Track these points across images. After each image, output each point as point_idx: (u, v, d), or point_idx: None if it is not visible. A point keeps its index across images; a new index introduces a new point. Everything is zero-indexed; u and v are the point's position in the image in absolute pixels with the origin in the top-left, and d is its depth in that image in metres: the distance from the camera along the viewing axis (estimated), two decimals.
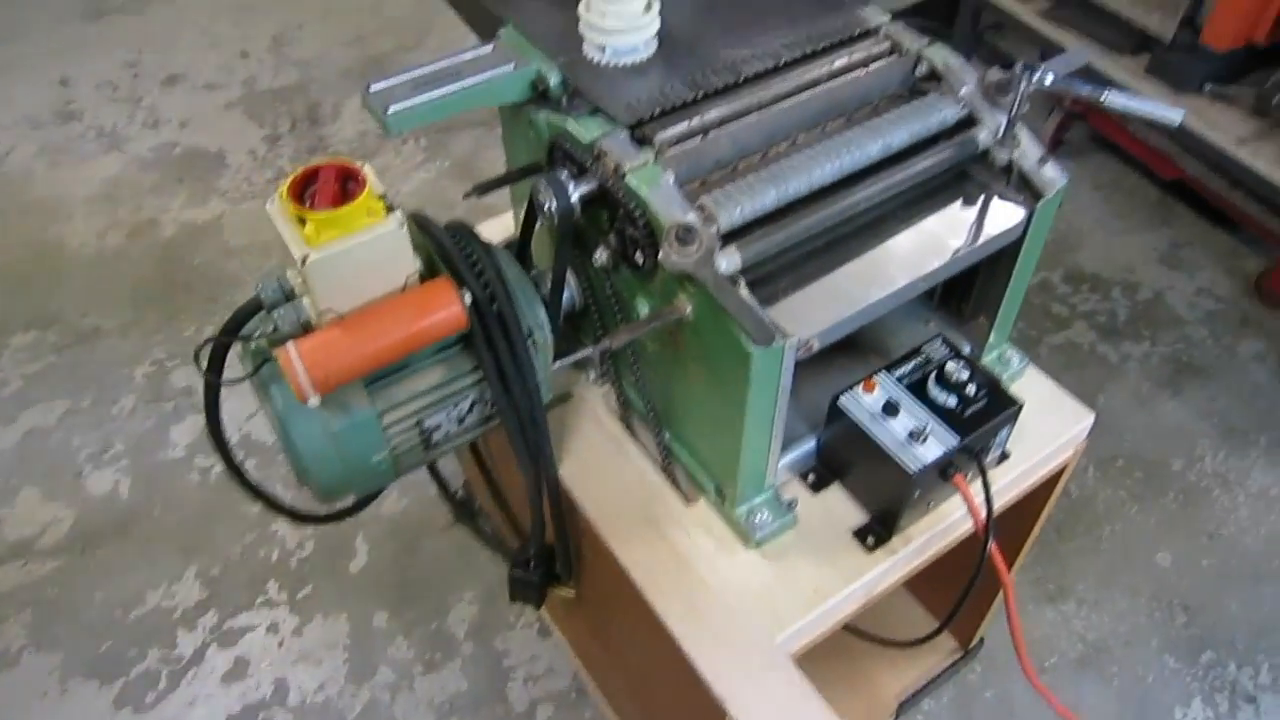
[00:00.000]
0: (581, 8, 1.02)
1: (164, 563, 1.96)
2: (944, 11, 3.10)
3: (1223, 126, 2.22)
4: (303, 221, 0.81)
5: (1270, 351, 2.35)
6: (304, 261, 0.80)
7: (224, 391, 0.97)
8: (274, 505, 1.14)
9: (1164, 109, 1.00)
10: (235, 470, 1.08)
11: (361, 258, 0.83)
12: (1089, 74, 2.45)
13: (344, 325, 0.84)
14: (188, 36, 3.49)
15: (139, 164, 2.94)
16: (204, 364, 0.91)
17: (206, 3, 3.67)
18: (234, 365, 0.93)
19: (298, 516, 1.19)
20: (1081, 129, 2.90)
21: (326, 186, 0.82)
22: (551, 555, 1.23)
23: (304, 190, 0.83)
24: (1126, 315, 2.45)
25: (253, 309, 0.89)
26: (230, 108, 3.15)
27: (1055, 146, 2.87)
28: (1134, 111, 1.01)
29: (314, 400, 0.82)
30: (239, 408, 2.17)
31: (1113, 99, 1.00)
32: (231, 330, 0.89)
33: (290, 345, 0.81)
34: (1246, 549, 1.98)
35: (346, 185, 0.84)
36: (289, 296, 0.88)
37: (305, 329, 0.87)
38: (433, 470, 1.44)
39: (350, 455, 0.92)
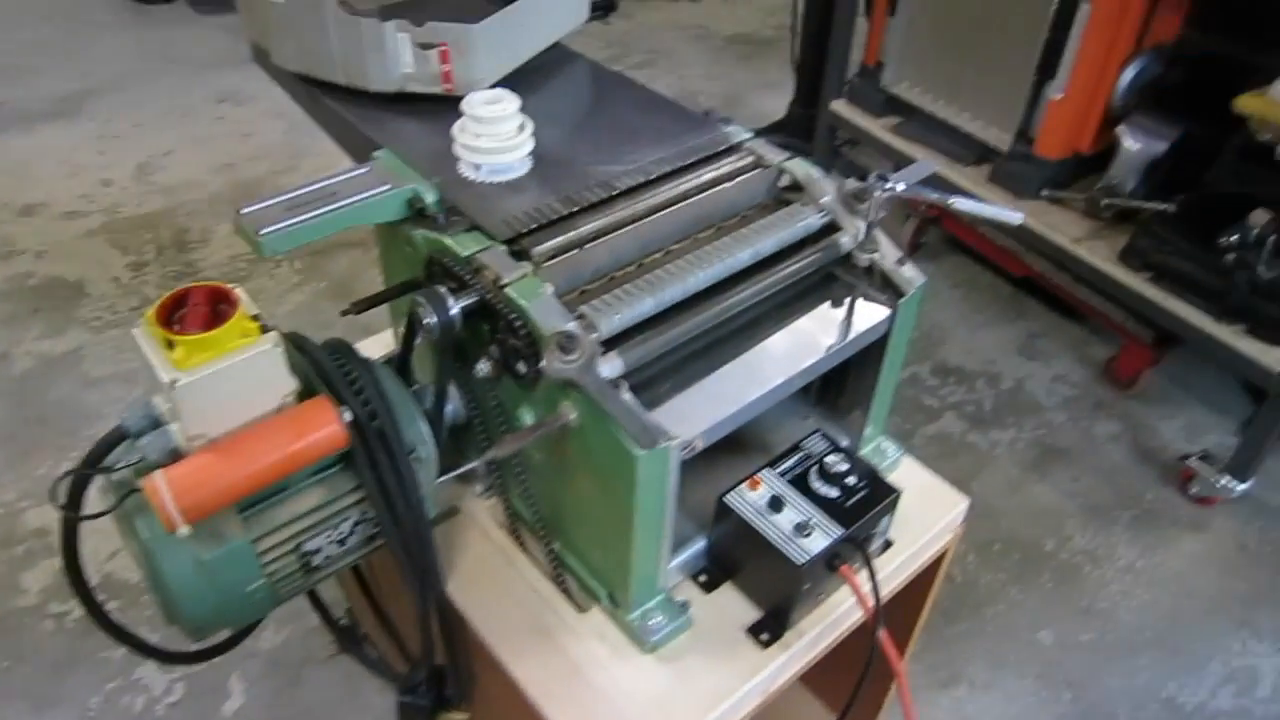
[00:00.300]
0: (456, 129, 1.05)
1: None
2: (803, 130, 3.31)
3: (1060, 227, 2.41)
4: (171, 345, 0.79)
5: (1124, 432, 2.51)
6: (173, 386, 0.77)
7: (83, 529, 0.91)
8: (139, 646, 1.07)
9: (1005, 212, 1.09)
10: (95, 609, 1.01)
11: (234, 380, 0.81)
12: (938, 182, 2.63)
13: (215, 450, 0.81)
14: (47, 166, 3.39)
15: None
16: (61, 499, 0.86)
17: (67, 133, 3.59)
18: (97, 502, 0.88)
19: (166, 657, 1.12)
20: (936, 232, 3.09)
21: (197, 309, 0.81)
22: (442, 677, 1.19)
23: (173, 314, 0.81)
24: (992, 404, 2.58)
25: (116, 439, 0.85)
26: (91, 235, 3.05)
27: (914, 249, 3.06)
28: (979, 214, 1.09)
29: (183, 530, 0.79)
30: (100, 546, 2.04)
31: (959, 204, 1.08)
32: (93, 461, 0.85)
33: (158, 474, 0.78)
34: (1120, 621, 2.07)
35: (218, 308, 0.83)
36: (157, 424, 0.85)
37: (174, 457, 0.84)
38: (313, 597, 1.38)
39: (224, 586, 0.88)
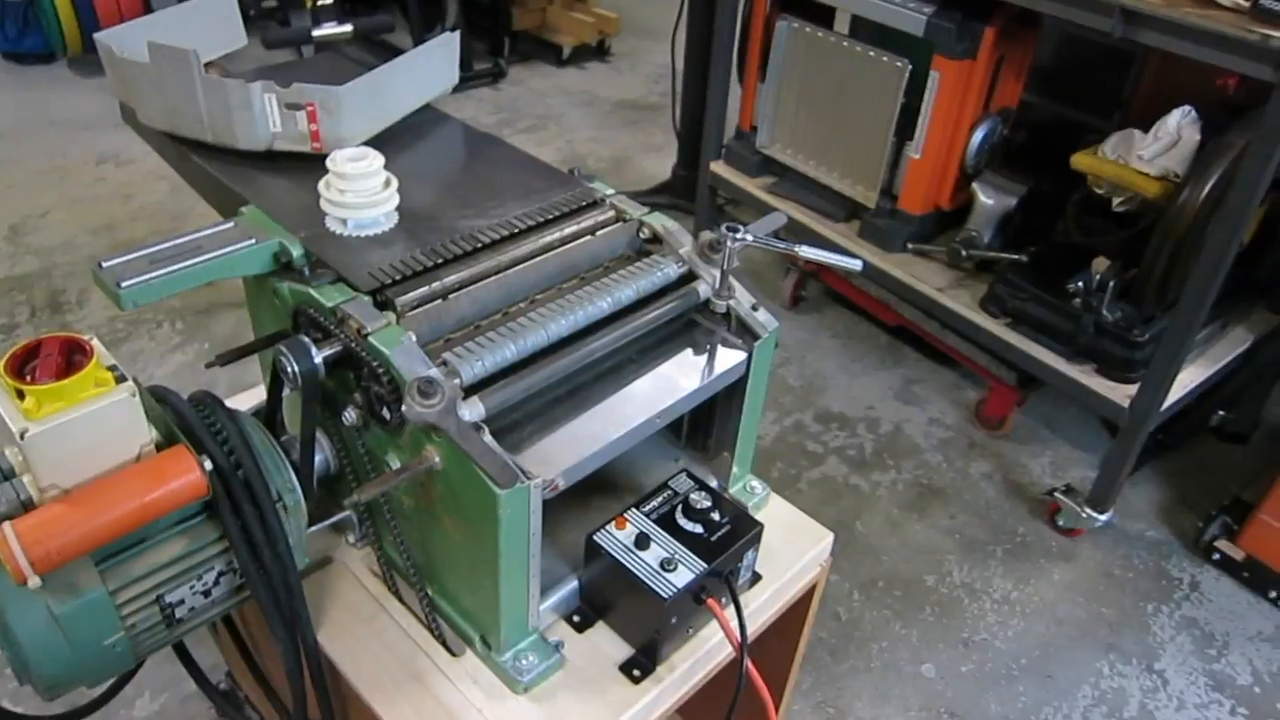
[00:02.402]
0: (322, 186, 1.08)
1: None
2: (687, 190, 3.42)
3: (925, 278, 2.55)
4: (22, 395, 0.79)
5: (996, 470, 2.63)
6: (22, 435, 0.77)
7: None
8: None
9: (845, 260, 1.17)
10: None
11: (88, 430, 0.81)
12: (808, 236, 2.76)
13: (68, 500, 0.81)
14: None
15: None
16: None
17: None
18: None
19: None
20: (817, 285, 3.22)
21: (49, 360, 0.81)
22: None
23: (24, 364, 0.81)
24: (873, 448, 2.69)
25: None
26: None
27: (795, 302, 3.18)
28: (823, 261, 1.17)
29: (34, 581, 0.78)
30: None
31: (804, 251, 1.16)
32: None
33: (6, 525, 0.77)
34: (998, 650, 2.16)
35: (73, 358, 0.83)
36: (8, 475, 0.84)
37: (26, 508, 0.83)
38: (188, 661, 1.34)
39: (79, 640, 0.87)
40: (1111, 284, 2.14)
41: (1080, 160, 2.20)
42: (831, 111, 2.64)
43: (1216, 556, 2.35)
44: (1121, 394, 2.18)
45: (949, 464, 2.65)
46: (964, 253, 2.49)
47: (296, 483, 1.00)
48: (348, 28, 4.08)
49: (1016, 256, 2.39)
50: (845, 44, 2.52)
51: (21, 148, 3.84)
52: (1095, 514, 2.34)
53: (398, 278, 1.03)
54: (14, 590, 0.82)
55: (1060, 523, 2.43)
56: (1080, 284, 2.17)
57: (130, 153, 3.75)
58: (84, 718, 1.11)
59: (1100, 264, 2.18)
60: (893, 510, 2.50)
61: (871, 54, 2.45)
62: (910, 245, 2.61)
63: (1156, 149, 2.10)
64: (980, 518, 2.49)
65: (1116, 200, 2.22)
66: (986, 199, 2.45)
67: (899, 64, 2.38)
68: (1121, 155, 2.15)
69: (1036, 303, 2.31)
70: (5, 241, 3.22)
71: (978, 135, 2.40)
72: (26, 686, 0.90)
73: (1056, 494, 2.41)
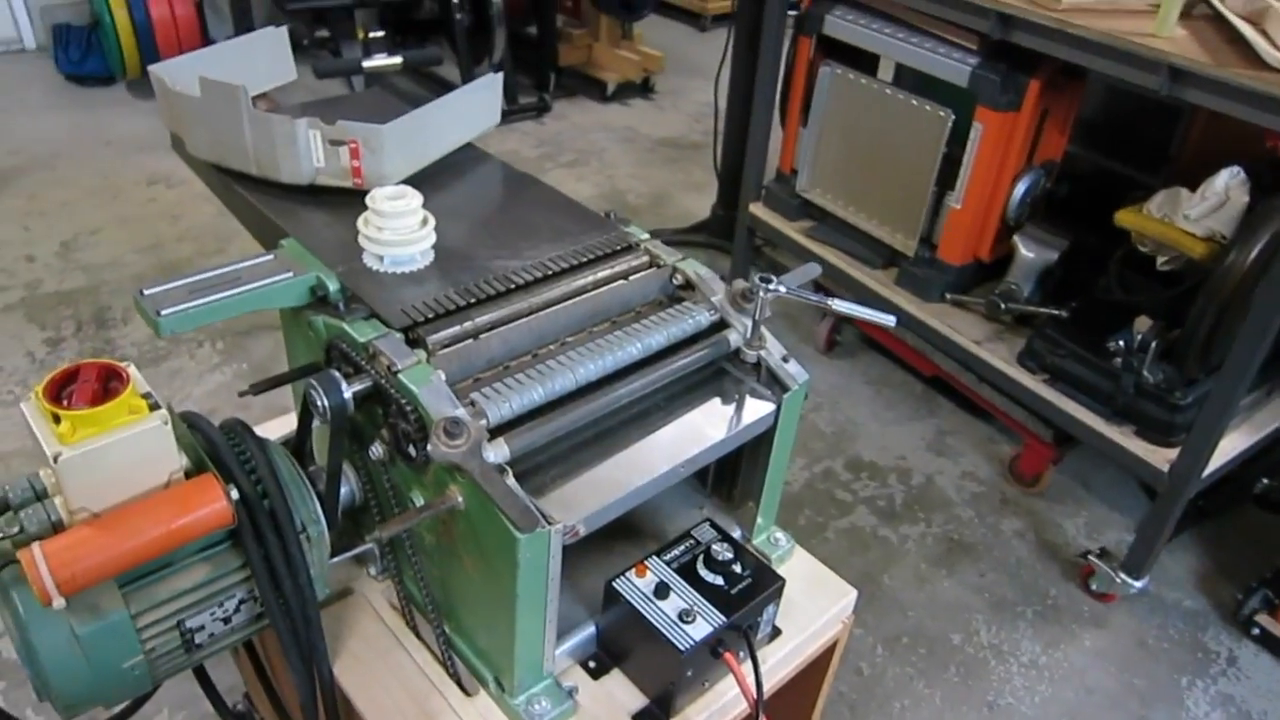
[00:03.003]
0: (360, 222, 1.10)
1: None
2: (725, 230, 3.44)
3: (962, 330, 2.53)
4: (58, 420, 0.80)
5: (1028, 529, 2.59)
6: (56, 459, 0.79)
7: None
8: None
9: (879, 315, 1.16)
10: None
11: (119, 455, 0.83)
12: (845, 281, 2.75)
13: (96, 524, 0.82)
14: None
15: None
16: None
17: None
18: None
19: None
20: (852, 331, 3.20)
21: (86, 385, 0.83)
22: None
23: (62, 389, 0.83)
24: (903, 499, 2.65)
25: None
26: (9, 310, 3.01)
27: (830, 347, 3.16)
28: (856, 315, 1.17)
29: (59, 602, 0.79)
30: None
31: (837, 305, 1.15)
32: None
33: (35, 545, 0.78)
34: (1024, 716, 2.10)
35: (109, 384, 0.85)
36: (40, 496, 0.86)
37: (56, 529, 0.84)
38: (205, 682, 1.35)
39: (100, 661, 0.88)
40: (1154, 344, 2.10)
41: (1125, 217, 2.17)
42: (872, 158, 2.65)
43: (1256, 631, 2.28)
44: (1161, 458, 2.14)
45: (980, 519, 2.61)
46: (1003, 305, 2.46)
47: (321, 514, 1.01)
48: (397, 60, 4.18)
49: (1057, 312, 2.37)
50: (888, 92, 2.52)
51: (78, 166, 3.95)
52: (1130, 580, 2.28)
53: (430, 316, 1.04)
54: (38, 610, 0.83)
55: (1093, 587, 2.37)
56: (1121, 343, 2.14)
57: (180, 175, 3.84)
58: None
59: (1142, 323, 2.15)
60: (921, 564, 2.46)
61: (914, 103, 2.45)
62: (948, 295, 2.59)
63: (1203, 209, 2.07)
64: (1011, 577, 2.44)
65: (1161, 259, 2.19)
66: (1028, 252, 2.43)
67: (941, 114, 2.37)
68: (1167, 214, 2.12)
69: (1075, 360, 2.28)
70: (56, 257, 3.30)
71: (1020, 187, 2.38)
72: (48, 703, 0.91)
73: (1091, 557, 2.36)
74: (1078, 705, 2.13)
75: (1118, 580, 2.29)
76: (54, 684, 0.87)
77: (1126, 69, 1.94)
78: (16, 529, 0.84)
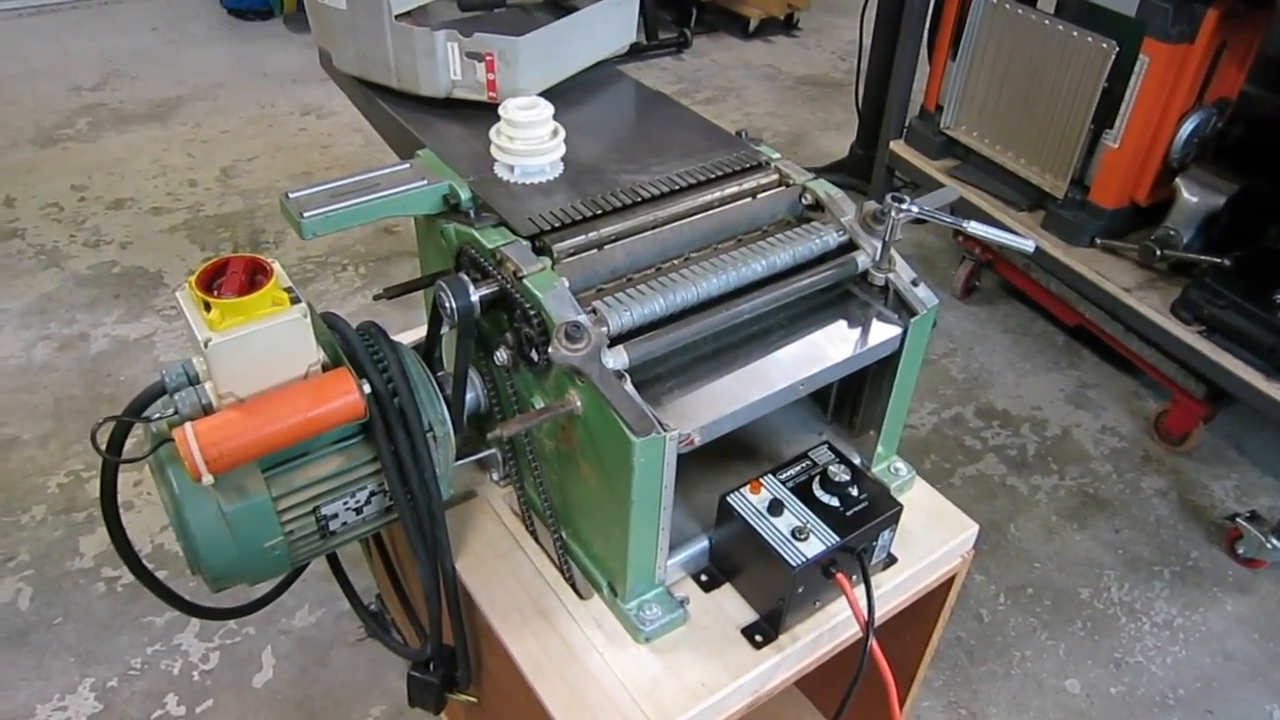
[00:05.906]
0: (493, 133, 1.12)
1: (58, 674, 1.89)
2: (863, 170, 3.34)
3: (1112, 276, 2.39)
4: (208, 308, 0.86)
5: (1171, 489, 2.46)
6: (206, 344, 0.84)
7: (139, 504, 0.98)
8: (166, 594, 1.13)
9: (1017, 239, 1.11)
10: (125, 548, 1.06)
11: (263, 344, 0.87)
12: (986, 222, 2.63)
13: (242, 408, 0.88)
14: (139, 165, 3.59)
15: (76, 281, 2.97)
16: (103, 444, 0.93)
17: (160, 136, 3.80)
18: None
19: (199, 611, 1.18)
20: (991, 277, 3.08)
21: (234, 277, 0.88)
22: (452, 657, 1.23)
23: (213, 280, 0.88)
24: (1036, 450, 2.55)
25: (156, 393, 0.93)
26: (174, 231, 3.22)
27: (968, 293, 3.05)
28: (992, 239, 1.12)
29: (208, 479, 0.85)
30: (151, 520, 2.14)
31: (973, 228, 1.11)
32: (133, 411, 0.92)
33: (187, 425, 0.84)
34: (1153, 676, 2.02)
35: (255, 277, 0.90)
36: (193, 381, 0.92)
37: (206, 412, 0.90)
38: (344, 582, 1.44)
39: (244, 539, 0.94)
40: None
41: None
42: (1025, 94, 2.51)
43: None
44: None
45: (1119, 475, 2.49)
46: (1159, 252, 2.32)
47: (448, 415, 1.05)
48: None
49: (1219, 260, 2.21)
50: (1048, 22, 2.38)
51: (237, 97, 4.15)
52: None
53: (557, 225, 1.05)
54: (191, 487, 0.90)
55: (1240, 551, 2.24)
56: None
57: (331, 106, 4.00)
58: (249, 613, 1.21)
59: None
60: (1051, 516, 2.37)
61: (1075, 34, 2.30)
62: (1098, 240, 2.45)
63: None
64: (1149, 535, 2.33)
65: None
66: (1191, 196, 2.26)
67: (1104, 45, 2.22)
68: None
69: (1237, 312, 2.13)
70: (216, 182, 3.50)
71: (1187, 127, 2.22)
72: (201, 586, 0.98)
73: (1239, 520, 2.22)
74: (1214, 670, 2.03)
75: (1268, 546, 2.16)
76: (203, 557, 0.94)
77: None
78: (172, 411, 0.91)
